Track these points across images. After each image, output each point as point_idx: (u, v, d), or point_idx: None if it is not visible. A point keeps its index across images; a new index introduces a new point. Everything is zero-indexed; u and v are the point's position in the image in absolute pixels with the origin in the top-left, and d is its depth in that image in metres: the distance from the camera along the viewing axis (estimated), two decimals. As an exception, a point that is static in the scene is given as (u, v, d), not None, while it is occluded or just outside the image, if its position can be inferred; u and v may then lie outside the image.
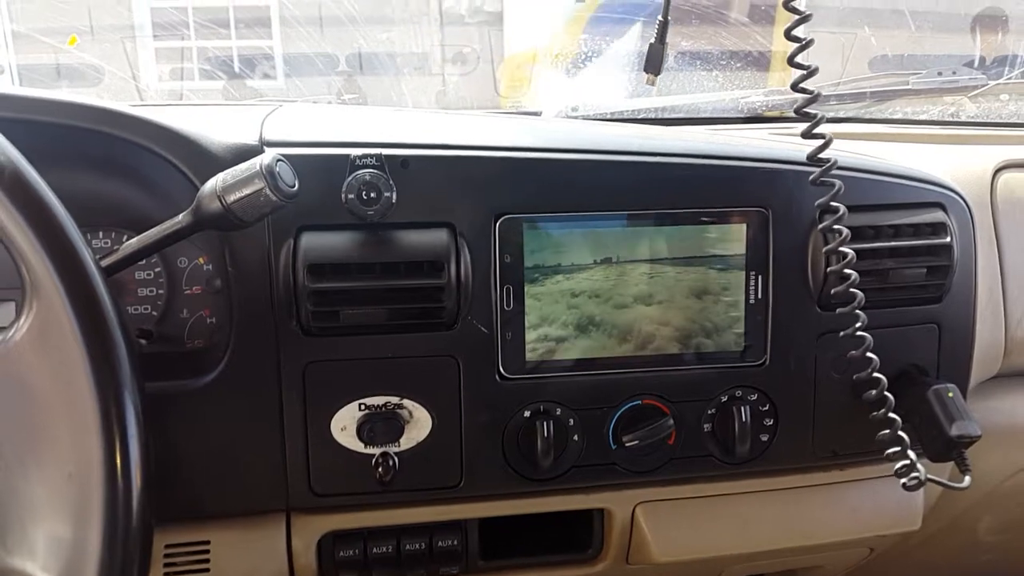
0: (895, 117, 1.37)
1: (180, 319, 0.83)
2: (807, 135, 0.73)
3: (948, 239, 0.82)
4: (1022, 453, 0.94)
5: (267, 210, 0.64)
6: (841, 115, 1.38)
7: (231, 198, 0.63)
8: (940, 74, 1.42)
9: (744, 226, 0.80)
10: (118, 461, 0.50)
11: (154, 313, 0.82)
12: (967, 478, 0.78)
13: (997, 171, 0.93)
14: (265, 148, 0.73)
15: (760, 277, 0.80)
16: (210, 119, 0.79)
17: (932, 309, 0.84)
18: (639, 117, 1.37)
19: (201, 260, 0.82)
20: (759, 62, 1.46)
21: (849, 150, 0.92)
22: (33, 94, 0.71)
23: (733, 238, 0.80)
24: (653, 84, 0.92)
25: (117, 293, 0.81)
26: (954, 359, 0.86)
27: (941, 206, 0.84)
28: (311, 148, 0.74)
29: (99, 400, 0.50)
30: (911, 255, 0.81)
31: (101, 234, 0.82)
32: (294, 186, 0.65)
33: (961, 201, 0.85)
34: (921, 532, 0.90)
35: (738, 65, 1.45)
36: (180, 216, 0.66)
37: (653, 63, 0.91)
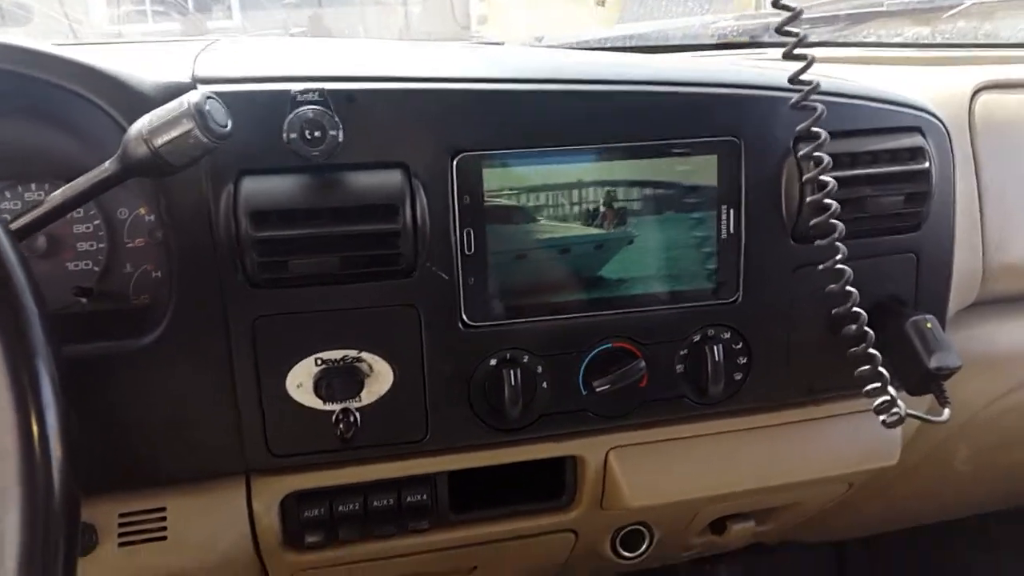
0: (868, 40, 1.32)
1: (123, 274, 0.78)
2: (788, 55, 0.69)
3: (927, 165, 0.79)
4: (1000, 381, 0.93)
5: (198, 153, 0.59)
6: (813, 39, 1.33)
7: (159, 141, 0.58)
8: (914, -6, 1.37)
9: (715, 157, 0.76)
10: (34, 433, 0.46)
11: (95, 268, 0.77)
12: (946, 411, 0.76)
13: (975, 92, 0.90)
14: (198, 86, 0.67)
15: (732, 211, 0.77)
16: (140, 57, 0.73)
17: (910, 238, 0.81)
18: (606, 46, 1.31)
19: (143, 210, 0.77)
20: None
21: (824, 74, 0.87)
22: None
23: (704, 170, 0.76)
24: (603, 5, 0.86)
25: (54, 248, 0.77)
26: (932, 289, 0.83)
27: (919, 130, 0.80)
28: (248, 84, 0.69)
29: (9, 370, 0.45)
30: (889, 182, 0.77)
31: (34, 186, 0.77)
32: (226, 126, 0.60)
33: (940, 124, 0.82)
34: (899, 466, 0.89)
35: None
36: (106, 163, 0.61)
37: None
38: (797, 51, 0.69)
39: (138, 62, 0.70)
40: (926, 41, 1.22)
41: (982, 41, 1.14)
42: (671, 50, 1.31)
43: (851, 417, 0.85)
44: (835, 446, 0.86)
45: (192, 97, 0.58)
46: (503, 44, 1.30)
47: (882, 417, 0.72)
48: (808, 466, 0.86)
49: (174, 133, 0.57)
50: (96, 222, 0.77)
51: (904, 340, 0.78)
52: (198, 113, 0.57)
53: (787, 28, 0.68)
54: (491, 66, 0.79)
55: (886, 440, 0.86)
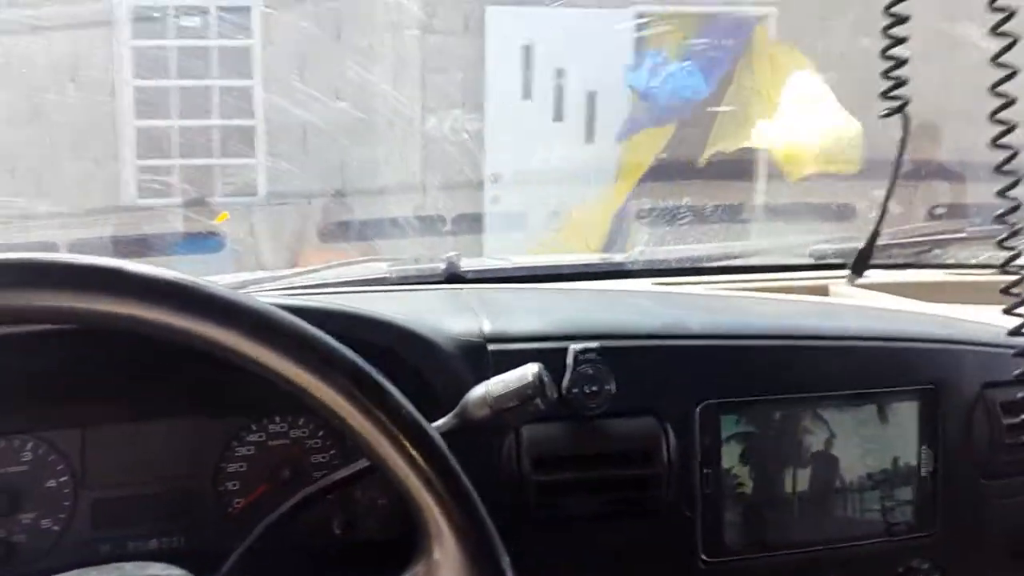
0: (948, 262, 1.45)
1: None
2: (1009, 311, 0.78)
3: None
4: None
5: (531, 418, 0.65)
6: (899, 261, 1.46)
7: (503, 406, 0.64)
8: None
9: (916, 403, 0.84)
10: None
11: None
12: None
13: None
14: (487, 343, 0.75)
15: (930, 451, 0.84)
16: (417, 309, 0.80)
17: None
18: (724, 264, 1.41)
19: None
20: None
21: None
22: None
23: (906, 415, 0.84)
24: (852, 283, 0.97)
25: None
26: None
27: None
28: (531, 343, 0.76)
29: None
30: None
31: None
32: (555, 394, 0.66)
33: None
34: None
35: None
36: (444, 420, 0.66)
37: (860, 265, 0.96)
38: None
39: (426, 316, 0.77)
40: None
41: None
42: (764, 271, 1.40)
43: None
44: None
45: (533, 370, 0.64)
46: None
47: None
48: None
49: (519, 402, 0.63)
50: (332, 452, 0.82)
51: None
52: (540, 385, 0.63)
53: (1013, 290, 0.77)
54: (719, 319, 0.87)
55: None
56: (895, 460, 0.83)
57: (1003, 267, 0.77)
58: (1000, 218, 0.76)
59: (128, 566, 0.52)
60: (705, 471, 0.78)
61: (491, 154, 4.68)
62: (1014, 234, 0.77)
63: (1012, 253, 0.76)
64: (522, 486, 0.73)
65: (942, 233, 1.47)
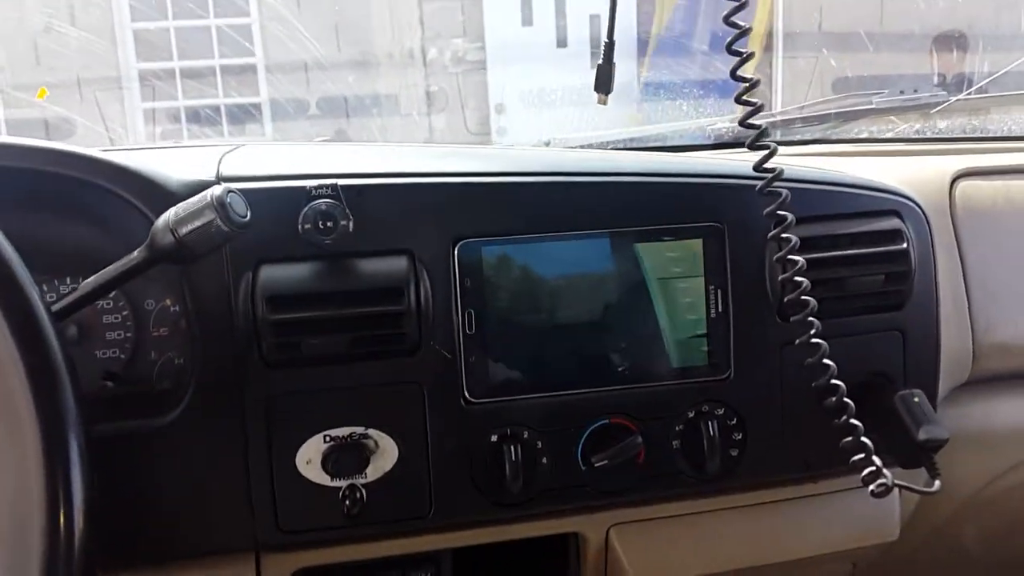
0: (860, 136, 1.39)
1: (148, 361, 0.83)
2: (752, 146, 0.74)
3: (905, 245, 0.83)
4: (998, 459, 0.94)
5: (219, 241, 0.65)
6: (807, 137, 1.40)
7: (183, 230, 0.64)
8: (902, 92, 1.44)
9: (700, 241, 0.81)
10: (60, 500, 0.49)
11: (122, 356, 0.82)
12: (937, 482, 0.77)
13: (955, 179, 0.94)
14: (221, 183, 0.74)
15: (719, 291, 0.81)
16: (169, 159, 0.80)
17: (894, 316, 0.84)
18: (608, 148, 1.39)
19: (168, 302, 0.83)
20: (724, 90, 1.49)
21: (807, 165, 0.93)
22: None
23: (691, 253, 0.81)
24: (605, 103, 0.94)
25: (85, 336, 0.83)
26: (920, 365, 0.86)
27: (896, 213, 0.85)
28: (267, 182, 0.75)
29: (43, 439, 0.49)
30: (868, 263, 0.81)
31: (68, 280, 0.83)
32: (246, 216, 0.66)
33: (917, 208, 0.86)
34: (903, 545, 0.89)
35: (701, 93, 1.48)
36: (135, 252, 0.67)
37: (603, 83, 0.93)
38: (760, 142, 0.74)
39: (169, 163, 0.77)
40: (914, 136, 1.28)
41: (967, 136, 1.20)
42: (670, 151, 1.38)
43: (849, 493, 0.86)
44: (834, 522, 0.87)
45: (215, 191, 0.64)
46: (512, 147, 1.38)
47: (870, 487, 0.73)
48: (808, 543, 0.86)
49: (198, 223, 0.63)
50: (124, 313, 0.83)
51: (893, 414, 0.80)
52: (219, 205, 0.63)
53: (749, 121, 0.74)
54: (487, 162, 0.85)
55: (885, 516, 0.87)
56: (681, 301, 0.81)
57: (738, 99, 0.73)
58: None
59: None
60: (468, 311, 0.77)
61: (494, 84, 4.61)
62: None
63: (746, 85, 0.72)
64: (258, 326, 0.73)
65: (851, 106, 1.40)
